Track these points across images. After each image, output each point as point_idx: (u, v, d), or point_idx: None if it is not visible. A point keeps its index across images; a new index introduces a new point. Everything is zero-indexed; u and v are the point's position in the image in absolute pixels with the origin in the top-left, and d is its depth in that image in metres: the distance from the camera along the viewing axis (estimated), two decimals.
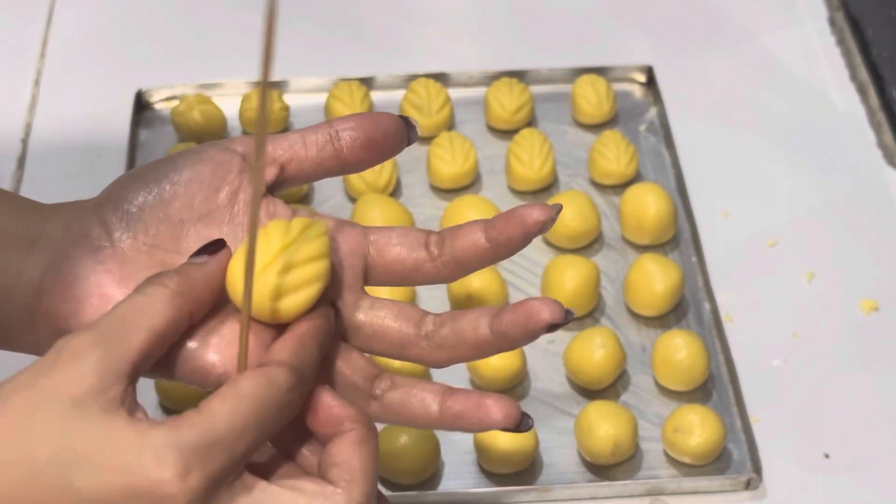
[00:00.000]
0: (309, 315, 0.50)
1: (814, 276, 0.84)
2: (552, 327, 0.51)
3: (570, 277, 0.79)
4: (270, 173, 0.54)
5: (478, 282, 0.79)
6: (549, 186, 0.89)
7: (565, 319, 0.51)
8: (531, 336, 0.52)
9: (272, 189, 0.55)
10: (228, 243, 0.52)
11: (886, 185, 0.90)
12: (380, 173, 0.87)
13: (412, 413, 0.52)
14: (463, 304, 0.80)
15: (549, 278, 0.80)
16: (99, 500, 0.43)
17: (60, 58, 0.99)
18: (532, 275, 0.83)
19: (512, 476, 0.74)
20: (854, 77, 0.97)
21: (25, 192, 0.88)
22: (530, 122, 0.93)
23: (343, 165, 0.55)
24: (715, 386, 0.78)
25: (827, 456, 0.75)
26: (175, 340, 0.49)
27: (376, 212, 0.84)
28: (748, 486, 0.73)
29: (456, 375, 0.78)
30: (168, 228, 0.53)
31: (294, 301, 0.50)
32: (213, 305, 0.50)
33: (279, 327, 0.51)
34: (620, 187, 0.89)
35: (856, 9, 1.00)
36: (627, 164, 0.88)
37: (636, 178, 0.89)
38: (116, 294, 0.51)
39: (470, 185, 0.89)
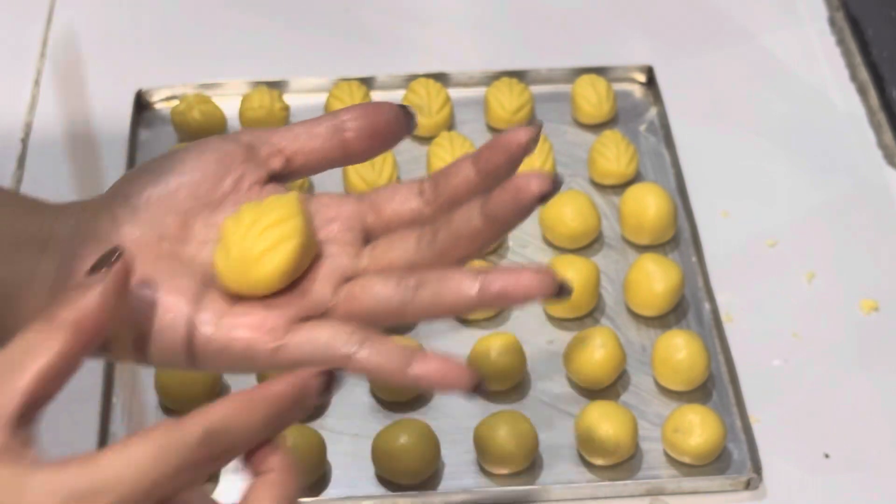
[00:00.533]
0: (279, 381, 0.47)
1: (814, 276, 0.84)
2: (543, 198, 0.50)
3: (570, 277, 0.79)
4: (276, 163, 0.55)
5: None
6: None
7: (554, 187, 0.51)
8: (524, 212, 0.51)
9: (279, 179, 0.55)
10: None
11: (886, 185, 0.90)
12: (380, 173, 0.87)
13: (451, 302, 0.51)
14: None
15: None
16: None
17: (61, 57, 0.99)
18: None
19: (512, 476, 0.74)
20: (854, 77, 0.97)
21: (25, 191, 0.87)
22: (530, 122, 0.93)
23: (347, 155, 0.55)
24: (715, 386, 0.78)
25: (827, 456, 0.75)
26: (73, 373, 0.48)
27: None
28: (748, 486, 0.73)
29: None
30: (175, 219, 0.53)
31: (269, 264, 0.50)
32: (118, 321, 0.49)
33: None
34: (620, 187, 0.89)
35: (856, 9, 1.00)
36: (627, 164, 0.88)
37: (636, 178, 0.89)
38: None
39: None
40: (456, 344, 0.80)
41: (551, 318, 0.81)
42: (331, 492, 0.73)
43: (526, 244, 0.86)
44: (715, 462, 0.74)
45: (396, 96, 0.94)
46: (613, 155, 0.88)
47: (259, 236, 0.51)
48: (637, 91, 0.96)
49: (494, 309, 0.78)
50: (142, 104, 0.94)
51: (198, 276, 0.53)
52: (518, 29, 1.02)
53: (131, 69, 0.97)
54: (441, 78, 0.95)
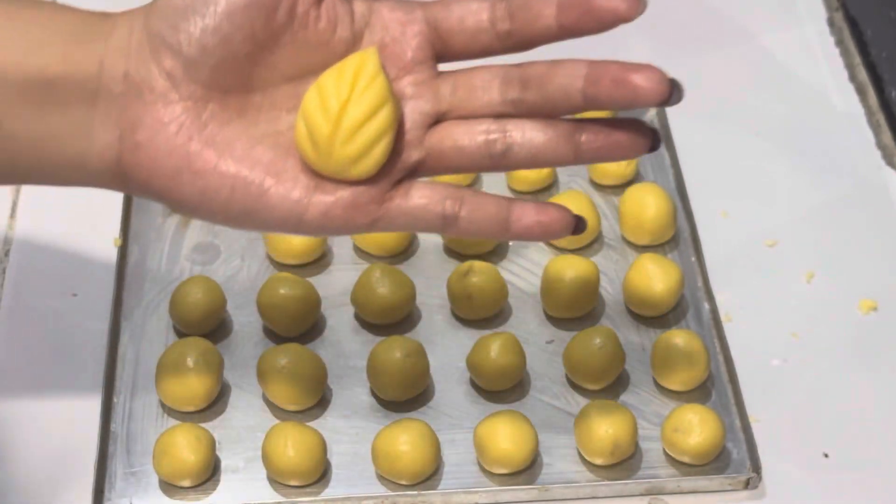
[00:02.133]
0: None
1: (813, 276, 0.84)
2: (662, 103, 0.51)
3: (570, 277, 0.80)
4: None
5: (478, 281, 0.79)
6: (549, 186, 0.89)
7: (673, 96, 0.51)
8: (632, 107, 0.51)
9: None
10: (294, 62, 0.50)
11: (885, 185, 0.90)
12: None
13: (552, 154, 0.51)
14: (463, 303, 0.80)
15: (549, 278, 0.80)
16: None
17: None
18: (532, 275, 0.84)
19: (512, 476, 0.74)
20: (853, 77, 0.97)
21: (25, 192, 0.88)
22: None
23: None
24: (714, 386, 0.78)
25: (826, 455, 0.75)
26: None
27: None
28: (747, 485, 0.74)
29: (456, 375, 0.78)
30: (236, 66, 0.51)
31: (364, 165, 0.50)
32: None
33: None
34: (620, 187, 0.89)
35: (855, 9, 1.00)
36: (627, 164, 0.88)
37: (636, 178, 0.89)
38: (207, 161, 0.50)
39: (470, 185, 0.89)
40: (456, 344, 0.80)
41: (551, 318, 0.81)
42: (331, 492, 0.73)
43: (526, 244, 0.86)
44: (714, 462, 0.74)
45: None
46: None
47: (351, 138, 0.49)
48: None
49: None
50: None
51: (280, 147, 0.51)
52: None
53: None
54: None
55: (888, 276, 0.84)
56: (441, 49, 0.53)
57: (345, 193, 0.51)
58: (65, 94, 0.50)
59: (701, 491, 0.74)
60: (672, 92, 0.51)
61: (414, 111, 0.53)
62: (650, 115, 0.94)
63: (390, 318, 0.80)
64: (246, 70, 0.51)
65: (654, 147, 0.52)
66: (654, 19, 1.03)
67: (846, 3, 1.01)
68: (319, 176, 0.51)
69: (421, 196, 0.52)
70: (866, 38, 0.98)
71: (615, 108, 0.55)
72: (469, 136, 0.52)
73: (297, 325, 0.79)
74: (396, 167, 0.52)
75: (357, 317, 0.81)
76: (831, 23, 1.02)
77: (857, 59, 0.98)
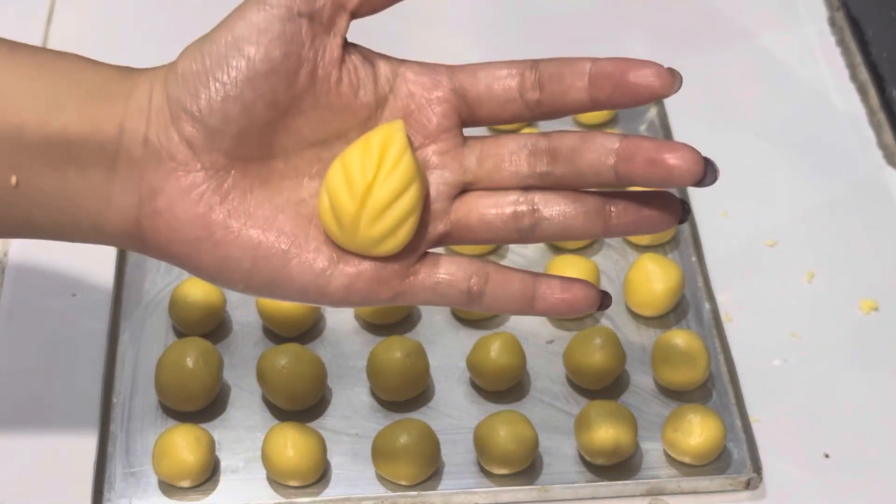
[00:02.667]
0: None
1: (814, 276, 0.84)
2: (696, 183, 0.51)
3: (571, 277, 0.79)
4: (342, 22, 0.51)
5: None
6: None
7: (708, 178, 0.51)
8: (667, 187, 0.51)
9: (350, 13, 0.52)
10: (316, 126, 0.50)
11: (886, 185, 0.90)
12: None
13: (581, 229, 0.51)
14: None
15: None
16: None
17: None
18: None
19: (512, 476, 0.74)
20: (854, 77, 0.97)
21: None
22: (530, 123, 0.93)
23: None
24: (715, 386, 0.78)
25: (827, 456, 0.75)
26: None
27: None
28: (748, 485, 0.73)
29: (456, 375, 0.78)
30: (258, 134, 0.50)
31: (392, 242, 0.49)
32: None
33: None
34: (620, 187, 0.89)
35: (856, 9, 1.00)
36: None
37: None
38: (229, 231, 0.49)
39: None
40: (456, 344, 0.80)
41: (551, 318, 0.81)
42: (331, 492, 0.73)
43: (526, 244, 0.86)
44: (715, 462, 0.74)
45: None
46: None
47: (378, 218, 0.49)
48: None
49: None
50: None
51: (302, 216, 0.51)
52: (518, 29, 1.02)
53: None
54: None
55: (889, 275, 0.84)
56: (467, 116, 0.52)
57: (369, 267, 0.51)
58: (84, 154, 0.50)
59: (701, 491, 0.73)
60: (706, 172, 0.51)
61: (439, 182, 0.52)
62: (650, 115, 0.94)
63: (390, 318, 0.80)
64: (268, 137, 0.50)
65: (682, 220, 0.52)
66: (655, 19, 1.04)
67: (847, 3, 1.01)
68: (343, 248, 0.51)
69: (446, 272, 0.51)
70: (867, 37, 0.98)
71: (648, 185, 0.54)
72: (496, 208, 0.52)
73: (296, 325, 0.79)
74: (423, 241, 0.52)
75: (357, 317, 0.81)
76: (832, 22, 1.02)
77: (858, 59, 0.98)
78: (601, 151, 0.51)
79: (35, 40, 1.00)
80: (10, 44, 0.53)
